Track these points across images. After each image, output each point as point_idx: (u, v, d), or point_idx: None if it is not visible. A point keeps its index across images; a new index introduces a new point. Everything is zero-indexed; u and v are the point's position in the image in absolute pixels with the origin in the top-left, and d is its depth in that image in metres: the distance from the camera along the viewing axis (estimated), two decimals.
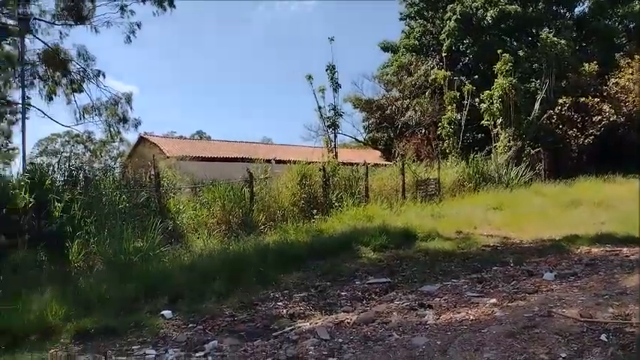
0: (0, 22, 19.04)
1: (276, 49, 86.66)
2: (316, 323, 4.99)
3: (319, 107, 22.16)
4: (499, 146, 23.44)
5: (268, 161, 13.70)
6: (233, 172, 12.65)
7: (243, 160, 16.45)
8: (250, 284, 6.47)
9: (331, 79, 21.89)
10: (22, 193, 8.07)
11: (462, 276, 6.79)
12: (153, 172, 10.96)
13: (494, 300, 5.33)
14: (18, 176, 9.40)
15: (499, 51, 24.60)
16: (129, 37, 19.67)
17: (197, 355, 4.29)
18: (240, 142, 26.82)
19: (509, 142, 23.41)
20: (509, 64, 23.93)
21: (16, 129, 22.95)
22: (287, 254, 7.80)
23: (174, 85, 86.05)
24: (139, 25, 19.76)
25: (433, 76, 27.84)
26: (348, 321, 4.95)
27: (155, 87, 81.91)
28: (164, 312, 5.45)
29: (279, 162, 14.64)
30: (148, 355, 4.36)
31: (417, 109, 29.29)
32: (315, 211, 12.23)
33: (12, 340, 4.43)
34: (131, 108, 21.88)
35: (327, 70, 21.98)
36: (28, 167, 12.22)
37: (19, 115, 20.12)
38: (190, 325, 5.15)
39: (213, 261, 7.37)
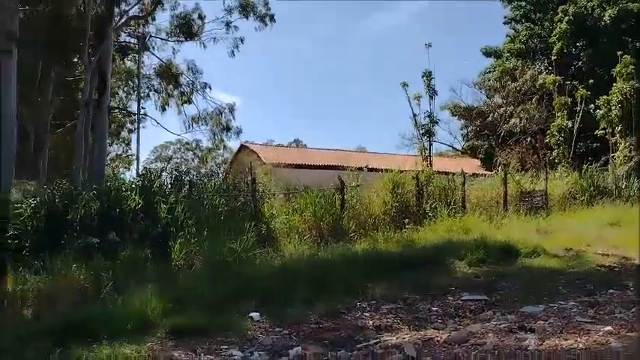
0: (123, 41, 21.24)
1: (373, 57, 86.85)
2: (403, 338, 4.75)
3: (414, 115, 21.66)
4: (618, 156, 21.06)
5: (360, 169, 13.62)
6: (325, 180, 12.76)
7: (335, 167, 16.56)
8: (337, 292, 6.37)
9: (427, 85, 21.29)
10: (133, 195, 8.82)
11: (570, 298, 6.08)
12: (250, 178, 11.42)
13: (609, 328, 4.68)
14: (131, 180, 10.34)
15: (619, 53, 22.23)
16: (233, 52, 20.88)
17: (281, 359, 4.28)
18: (334, 150, 27.11)
19: (629, 152, 20.94)
20: (631, 66, 21.49)
21: (134, 137, 25.40)
22: (376, 264, 7.61)
23: (274, 95, 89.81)
24: (242, 40, 20.92)
25: (541, 81, 25.93)
26: (438, 339, 4.64)
27: (257, 97, 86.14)
28: (252, 314, 5.55)
29: (371, 170, 14.50)
30: (235, 356, 4.44)
31: (522, 115, 27.43)
32: (406, 220, 11.88)
33: (113, 330, 4.76)
34: (233, 117, 23.24)
35: (423, 77, 21.44)
36: (141, 172, 13.42)
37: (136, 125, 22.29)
38: (276, 329, 5.18)
39: (301, 266, 7.42)
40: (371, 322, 5.35)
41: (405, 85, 21.36)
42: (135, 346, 4.50)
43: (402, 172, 13.25)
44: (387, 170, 13.40)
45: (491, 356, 4.09)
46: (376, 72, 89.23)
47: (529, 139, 26.71)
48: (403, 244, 9.59)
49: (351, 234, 10.81)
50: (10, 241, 7.66)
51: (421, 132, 21.67)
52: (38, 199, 8.51)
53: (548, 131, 23.33)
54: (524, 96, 28.01)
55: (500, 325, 4.99)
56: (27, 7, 14.66)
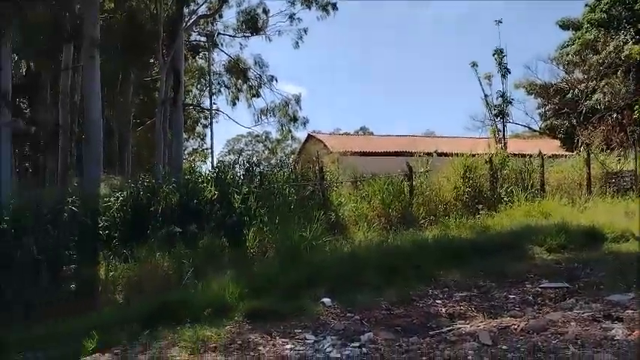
0: (193, 40, 22.17)
1: (440, 39, 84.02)
2: (478, 326, 4.63)
3: (485, 95, 20.75)
4: None
5: (429, 154, 13.31)
6: (393, 166, 12.61)
7: (403, 153, 16.31)
8: (408, 279, 6.32)
9: (499, 64, 20.30)
10: (209, 186, 9.27)
11: None
12: (317, 168, 11.56)
13: None
14: (207, 172, 10.85)
15: None
16: (297, 43, 21.08)
17: (352, 345, 4.33)
18: (401, 135, 26.66)
19: None
20: None
21: (208, 131, 26.52)
22: (448, 250, 7.44)
23: (339, 83, 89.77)
24: (305, 31, 21.04)
25: (627, 53, 23.77)
26: (515, 327, 4.47)
27: (322, 87, 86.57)
28: (324, 299, 5.65)
29: (440, 155, 14.11)
30: (308, 339, 4.56)
31: (606, 90, 25.35)
32: (480, 206, 11.47)
33: (195, 313, 5.07)
34: (300, 108, 23.54)
35: (494, 55, 20.45)
36: (215, 164, 14.04)
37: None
38: (348, 315, 5.25)
39: (371, 253, 7.43)
40: (444, 310, 5.27)
41: (474, 65, 20.51)
42: (215, 328, 4.76)
43: (473, 155, 12.77)
44: (457, 154, 12.98)
45: (573, 346, 3.89)
46: (443, 54, 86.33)
47: (615, 116, 24.65)
48: (477, 231, 9.28)
49: (421, 221, 10.63)
50: (101, 232, 8.37)
51: (493, 113, 20.74)
52: (124, 193, 9.19)
53: (637, 106, 21.40)
54: (607, 69, 25.84)
55: (583, 313, 4.72)
56: (106, 15, 15.71)
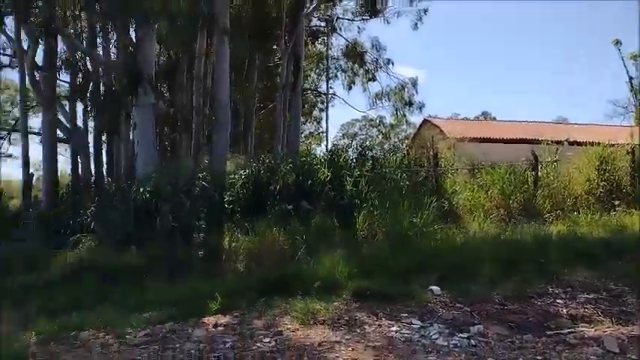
0: (313, 26, 22.73)
1: (574, 15, 75.61)
2: (604, 331, 4.23)
3: (630, 78, 18.28)
4: None
5: (559, 142, 12.19)
6: (516, 154, 11.81)
7: (528, 141, 15.15)
8: (526, 274, 5.95)
9: None
10: (323, 168, 9.57)
11: None
12: (431, 153, 11.28)
13: None
14: (321, 155, 11.21)
15: None
16: (416, 24, 20.53)
17: (460, 335, 4.24)
18: (527, 122, 24.73)
19: None
20: None
21: (324, 115, 27.19)
22: (575, 248, 6.83)
23: (460, 66, 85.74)
24: (425, 11, 20.38)
25: None
26: None
27: (442, 70, 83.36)
28: (433, 287, 5.58)
29: (572, 143, 12.84)
30: (414, 324, 4.56)
31: None
32: (617, 202, 10.27)
33: (306, 287, 5.34)
34: (416, 92, 23.00)
35: None
36: (330, 148, 14.42)
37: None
38: (457, 305, 5.13)
39: (486, 245, 7.11)
40: (565, 311, 4.89)
41: (617, 42, 18.15)
42: (324, 303, 4.98)
43: (612, 145, 11.44)
44: (592, 144, 11.72)
45: None
46: (577, 32, 77.64)
47: None
48: (611, 229, 8.37)
49: (545, 214, 9.85)
50: (226, 205, 9.13)
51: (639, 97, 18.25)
52: (247, 171, 9.89)
53: None
54: None
55: None
56: (235, 5, 16.77)
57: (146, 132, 11.17)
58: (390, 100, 23.43)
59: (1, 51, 17.74)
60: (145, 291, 6.34)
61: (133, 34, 11.83)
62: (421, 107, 23.38)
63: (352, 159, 10.98)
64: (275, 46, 20.80)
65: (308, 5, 19.06)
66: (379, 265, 6.11)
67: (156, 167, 10.80)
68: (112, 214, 9.45)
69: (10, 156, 25.54)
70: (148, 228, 8.60)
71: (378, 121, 46.48)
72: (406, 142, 32.99)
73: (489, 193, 10.54)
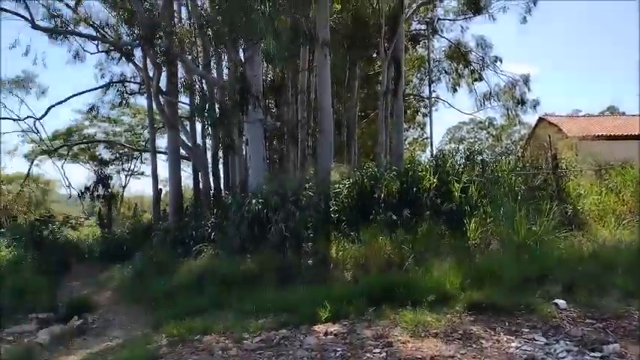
0: (413, 30, 22.36)
1: None
2: None
3: None
4: None
5: None
6: None
7: None
8: None
9: None
10: (428, 175, 9.31)
11: None
12: (550, 154, 10.40)
13: None
14: (426, 161, 10.91)
15: None
16: (524, 18, 19.18)
17: (592, 354, 3.82)
18: None
19: None
20: None
21: (428, 120, 26.52)
22: None
23: (579, 58, 78.24)
24: (534, 2, 18.96)
25: None
26: None
27: (557, 64, 76.88)
28: (557, 301, 5.11)
29: None
30: (537, 341, 4.21)
31: None
32: None
33: (415, 298, 5.20)
34: (528, 89, 21.44)
35: None
36: (435, 153, 14.01)
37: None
38: (587, 321, 4.64)
39: (620, 254, 6.35)
40: None
41: None
42: (435, 315, 4.80)
43: None
44: None
45: None
46: None
47: None
48: None
49: None
50: (332, 215, 9.27)
51: None
52: (351, 180, 9.95)
53: None
54: None
55: None
56: (334, 17, 17.12)
57: (256, 146, 11.79)
58: (499, 100, 22.12)
59: (132, 79, 20.07)
60: (259, 297, 6.66)
61: (242, 55, 12.65)
62: (535, 105, 21.70)
63: (460, 164, 10.51)
64: (375, 54, 20.82)
65: (407, 10, 18.82)
66: (495, 276, 5.75)
67: (266, 179, 11.33)
68: (228, 225, 10.12)
69: (142, 174, 28.66)
70: (261, 237, 9.04)
71: (487, 123, 44.15)
72: (520, 143, 30.87)
73: (621, 196, 9.41)
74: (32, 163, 21.01)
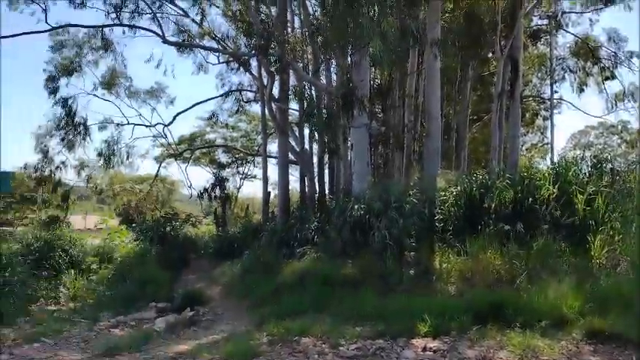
0: (533, 26, 20.72)
1: None
2: None
3: None
4: None
5: None
6: None
7: None
8: None
9: None
10: (547, 184, 8.50)
11: None
12: None
13: None
14: (545, 169, 10.01)
15: None
16: None
17: None
18: None
19: None
20: None
21: (549, 124, 24.39)
22: None
23: None
24: None
25: None
26: None
27: None
28: None
29: None
30: None
31: None
32: None
33: (525, 319, 4.74)
34: None
35: None
36: (556, 160, 12.81)
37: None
38: None
39: None
40: None
41: None
42: (547, 340, 4.35)
43: None
44: None
45: None
46: None
47: None
48: None
49: None
50: (437, 224, 8.90)
51: None
52: (459, 187, 9.46)
53: None
54: None
55: None
56: (446, 16, 16.50)
57: (361, 151, 11.77)
58: (635, 101, 19.61)
59: (248, 88, 21.34)
60: (358, 303, 6.61)
61: (349, 60, 12.75)
62: None
63: (585, 173, 9.45)
64: (490, 53, 19.69)
65: (526, 5, 17.50)
66: (622, 302, 5.05)
67: (369, 184, 11.26)
68: (330, 228, 10.23)
69: (254, 177, 30.32)
70: (362, 242, 8.99)
71: (619, 127, 39.46)
72: None
73: None
74: (160, 165, 23.34)
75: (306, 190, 15.98)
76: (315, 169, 16.05)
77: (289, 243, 11.77)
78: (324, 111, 13.66)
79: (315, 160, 16.55)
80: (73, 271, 11.06)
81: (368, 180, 11.77)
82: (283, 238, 12.51)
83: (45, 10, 15.08)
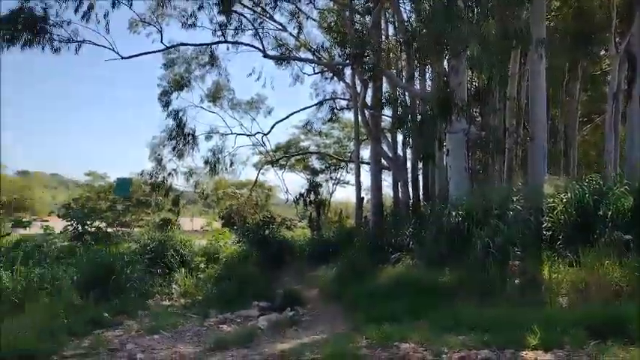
0: None
1: None
2: None
3: None
4: None
5: None
6: None
7: None
8: None
9: None
10: None
11: None
12: None
13: None
14: None
15: None
16: None
17: None
18: None
19: None
20: None
21: None
22: None
23: None
24: None
25: None
26: None
27: None
28: None
29: None
30: None
31: None
32: None
33: None
34: None
35: None
36: None
37: None
38: None
39: None
40: None
41: None
42: None
43: None
44: None
45: None
46: None
47: None
48: None
49: None
50: (545, 232, 8.33)
51: None
52: (569, 194, 8.77)
53: None
54: None
55: None
56: (552, 14, 15.49)
57: (458, 156, 11.41)
58: None
59: (341, 96, 21.73)
60: (457, 312, 6.41)
61: (446, 65, 12.47)
62: None
63: None
64: (603, 51, 18.11)
65: None
66: None
67: (467, 190, 10.87)
68: (426, 235, 10.03)
69: (347, 183, 30.64)
70: (460, 250, 8.69)
71: None
72: None
73: None
74: (259, 171, 24.51)
75: (400, 195, 15.82)
76: (409, 175, 15.84)
77: (383, 248, 11.73)
78: (419, 117, 13.49)
79: (408, 165, 16.36)
80: (183, 270, 11.92)
81: (465, 186, 11.37)
82: (377, 243, 12.50)
83: (160, 32, 16.64)
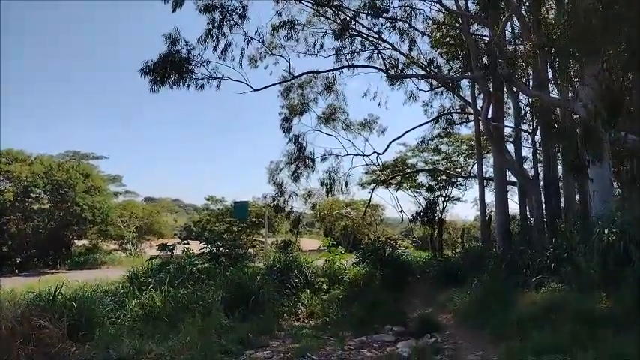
0: None
1: None
2: None
3: None
4: None
5: None
6: None
7: None
8: None
9: None
10: None
11: None
12: None
13: None
14: None
15: None
16: None
17: None
18: None
19: None
20: None
21: None
22: None
23: None
24: None
25: None
26: None
27: None
28: None
29: None
30: None
31: None
32: None
33: None
34: None
35: None
36: None
37: None
38: None
39: None
40: None
41: None
42: None
43: None
44: None
45: None
46: None
47: None
48: None
49: None
50: None
51: None
52: None
53: None
54: None
55: None
56: None
57: (602, 167, 10.29)
58: None
59: (457, 111, 21.03)
60: (630, 345, 5.64)
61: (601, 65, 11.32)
62: None
63: None
64: None
65: None
66: None
67: (615, 205, 9.74)
68: (574, 256, 9.08)
69: (458, 199, 29.37)
70: (616, 272, 7.75)
71: None
72: None
73: None
74: (373, 191, 24.44)
75: (530, 211, 14.68)
76: (542, 189, 14.63)
77: (519, 270, 10.87)
78: (559, 126, 12.45)
79: (539, 179, 15.15)
80: (307, 290, 12.14)
81: (611, 200, 10.21)
82: (510, 264, 11.63)
83: (284, 61, 17.80)
